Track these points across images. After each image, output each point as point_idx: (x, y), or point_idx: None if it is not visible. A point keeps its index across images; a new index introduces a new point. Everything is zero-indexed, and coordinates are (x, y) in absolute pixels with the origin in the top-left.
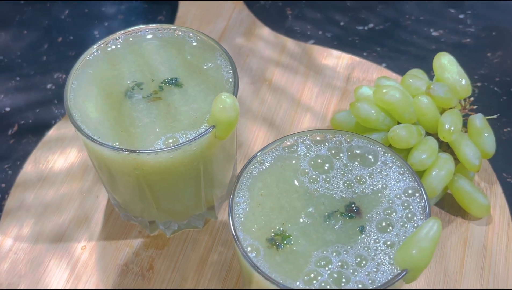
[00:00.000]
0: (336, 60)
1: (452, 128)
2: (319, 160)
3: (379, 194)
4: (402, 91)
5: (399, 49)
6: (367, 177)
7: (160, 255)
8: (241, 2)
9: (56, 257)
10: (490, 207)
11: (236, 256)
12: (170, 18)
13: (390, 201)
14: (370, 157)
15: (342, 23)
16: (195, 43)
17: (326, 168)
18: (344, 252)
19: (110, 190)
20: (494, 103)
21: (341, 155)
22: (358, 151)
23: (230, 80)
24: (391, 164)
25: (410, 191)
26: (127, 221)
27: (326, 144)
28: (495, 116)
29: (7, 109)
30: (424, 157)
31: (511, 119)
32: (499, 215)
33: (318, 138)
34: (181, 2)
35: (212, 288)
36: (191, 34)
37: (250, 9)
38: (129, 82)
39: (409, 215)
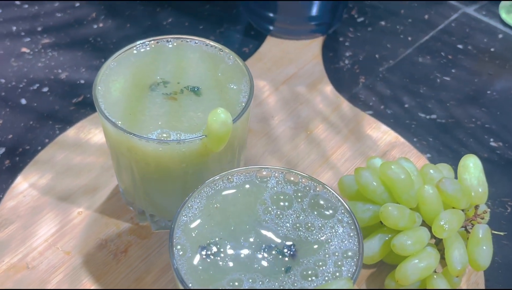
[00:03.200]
0: (381, 134)
1: (446, 226)
2: (281, 196)
3: (321, 245)
4: (408, 173)
5: (451, 146)
6: (317, 227)
7: (138, 244)
8: (320, 58)
9: (54, 212)
10: None
11: None
12: (253, 51)
13: (327, 255)
14: (330, 211)
15: (406, 105)
16: (231, 64)
17: (283, 205)
18: (260, 283)
19: (114, 166)
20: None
21: (304, 199)
22: (321, 202)
23: (243, 104)
24: (345, 223)
25: (349, 254)
26: (126, 205)
27: (295, 186)
28: (502, 233)
29: (82, 81)
30: (409, 243)
31: None
32: None
33: (291, 178)
34: (267, 40)
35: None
36: (231, 56)
37: (325, 67)
38: (158, 78)
39: (337, 274)
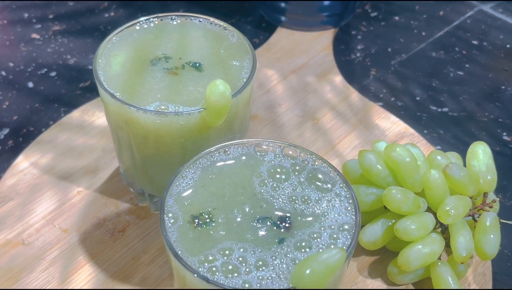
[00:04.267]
0: (391, 124)
1: (452, 211)
2: (278, 169)
3: (316, 218)
4: (414, 156)
5: (462, 139)
6: (314, 200)
7: (136, 224)
8: (330, 49)
9: (53, 191)
10: None
11: None
12: (263, 42)
13: (322, 228)
14: (328, 185)
15: (418, 98)
16: (234, 42)
17: (279, 177)
18: (251, 252)
19: (115, 146)
20: None
21: (302, 173)
22: (319, 176)
23: (244, 79)
24: (343, 197)
25: (345, 227)
26: (127, 186)
27: (294, 159)
28: (510, 222)
29: (89, 67)
30: (412, 227)
31: None
32: None
33: (290, 152)
34: (277, 31)
35: (163, 270)
36: (235, 34)
37: (336, 58)
38: (160, 53)
39: (331, 246)
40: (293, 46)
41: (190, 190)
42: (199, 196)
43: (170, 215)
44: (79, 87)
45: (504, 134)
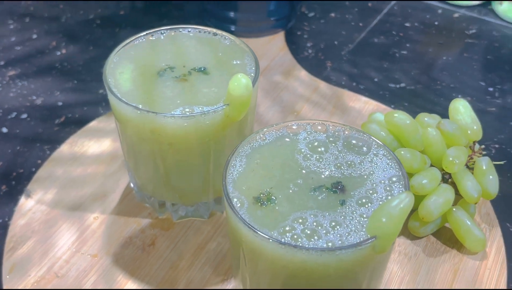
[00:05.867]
0: (363, 104)
1: (456, 160)
2: (316, 143)
3: (365, 177)
4: (412, 118)
5: (426, 107)
6: (357, 163)
7: (163, 235)
8: (286, 48)
9: (69, 222)
10: (485, 242)
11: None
12: None
13: (374, 184)
14: (364, 148)
15: (376, 79)
16: (228, 44)
17: (320, 150)
18: (321, 217)
19: (128, 160)
20: (508, 164)
21: (337, 143)
22: (354, 142)
23: (252, 74)
24: (381, 156)
25: (394, 179)
26: (141, 203)
27: (325, 133)
28: (502, 162)
29: (60, 103)
30: (425, 182)
31: None
32: (494, 254)
33: (319, 127)
34: None
35: (204, 271)
36: (226, 37)
37: (294, 56)
38: (163, 64)
39: (389, 197)
40: None
41: (243, 177)
42: (253, 180)
43: (235, 200)
44: (55, 123)
45: (459, 96)
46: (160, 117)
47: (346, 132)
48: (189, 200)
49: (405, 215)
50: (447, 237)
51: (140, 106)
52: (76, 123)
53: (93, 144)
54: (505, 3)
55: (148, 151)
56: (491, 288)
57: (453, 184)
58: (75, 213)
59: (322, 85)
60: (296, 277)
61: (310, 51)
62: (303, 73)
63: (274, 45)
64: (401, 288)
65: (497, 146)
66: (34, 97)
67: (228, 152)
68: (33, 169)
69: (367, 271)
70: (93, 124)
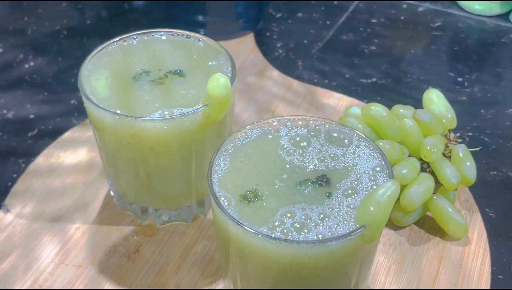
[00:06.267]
0: (337, 100)
1: (434, 149)
2: (298, 138)
3: (349, 169)
4: (388, 110)
5: (398, 100)
6: (340, 156)
7: (148, 242)
8: (257, 50)
9: (51, 234)
10: (468, 227)
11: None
12: None
13: (359, 175)
14: (346, 140)
15: (347, 76)
16: (202, 46)
17: (303, 144)
18: (309, 210)
19: (107, 168)
20: (483, 151)
21: (319, 136)
22: (335, 135)
23: (229, 74)
24: (363, 147)
25: (378, 169)
26: (122, 210)
27: (307, 128)
28: (477, 149)
29: (31, 116)
30: (405, 171)
31: (498, 165)
32: (476, 239)
33: (300, 123)
34: None
35: (192, 274)
36: (200, 39)
37: (265, 57)
38: (138, 69)
39: (375, 187)
40: None
41: (228, 176)
42: (238, 178)
43: (222, 198)
44: (28, 136)
45: (430, 87)
46: (140, 121)
47: (327, 126)
48: (172, 204)
49: (392, 203)
50: (430, 225)
51: (119, 112)
52: (49, 134)
53: (69, 154)
54: None
55: (129, 157)
56: (476, 271)
57: (432, 173)
58: (56, 225)
59: (295, 84)
60: (287, 272)
61: (280, 51)
62: (275, 73)
63: (245, 47)
64: (388, 278)
65: (470, 134)
66: (5, 111)
67: (209, 154)
68: (9, 184)
69: (357, 261)
70: (67, 134)
